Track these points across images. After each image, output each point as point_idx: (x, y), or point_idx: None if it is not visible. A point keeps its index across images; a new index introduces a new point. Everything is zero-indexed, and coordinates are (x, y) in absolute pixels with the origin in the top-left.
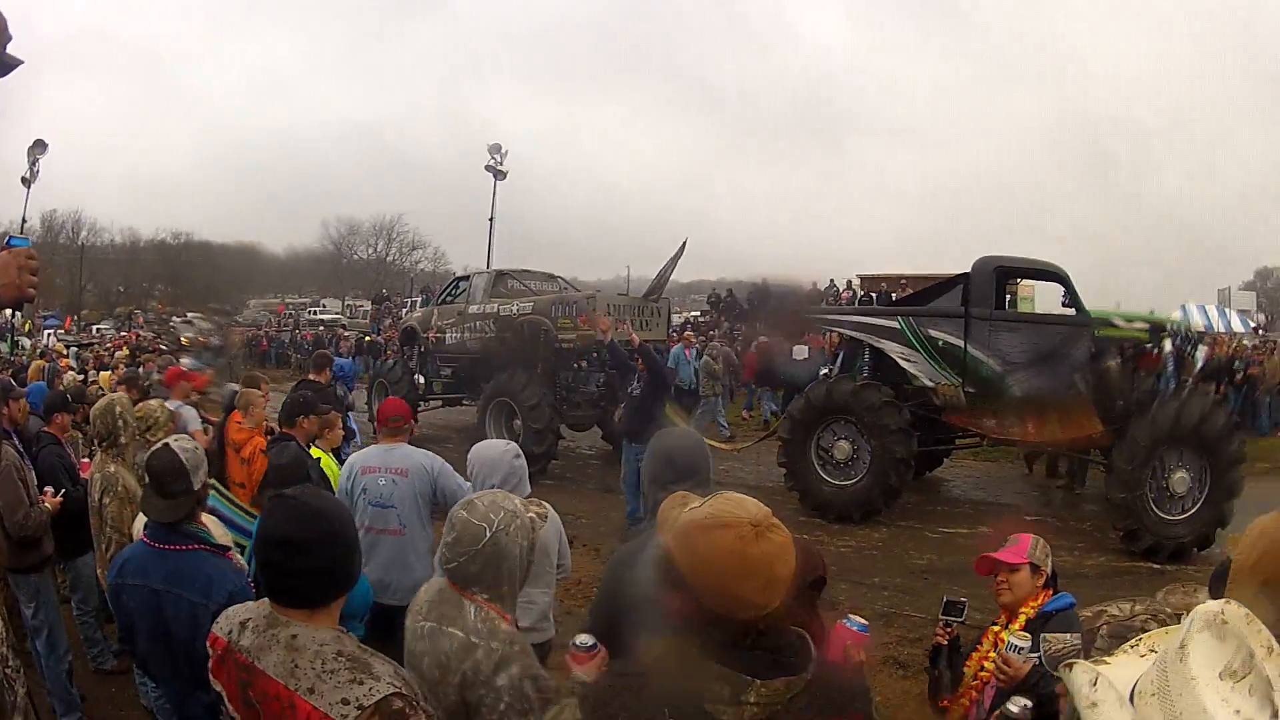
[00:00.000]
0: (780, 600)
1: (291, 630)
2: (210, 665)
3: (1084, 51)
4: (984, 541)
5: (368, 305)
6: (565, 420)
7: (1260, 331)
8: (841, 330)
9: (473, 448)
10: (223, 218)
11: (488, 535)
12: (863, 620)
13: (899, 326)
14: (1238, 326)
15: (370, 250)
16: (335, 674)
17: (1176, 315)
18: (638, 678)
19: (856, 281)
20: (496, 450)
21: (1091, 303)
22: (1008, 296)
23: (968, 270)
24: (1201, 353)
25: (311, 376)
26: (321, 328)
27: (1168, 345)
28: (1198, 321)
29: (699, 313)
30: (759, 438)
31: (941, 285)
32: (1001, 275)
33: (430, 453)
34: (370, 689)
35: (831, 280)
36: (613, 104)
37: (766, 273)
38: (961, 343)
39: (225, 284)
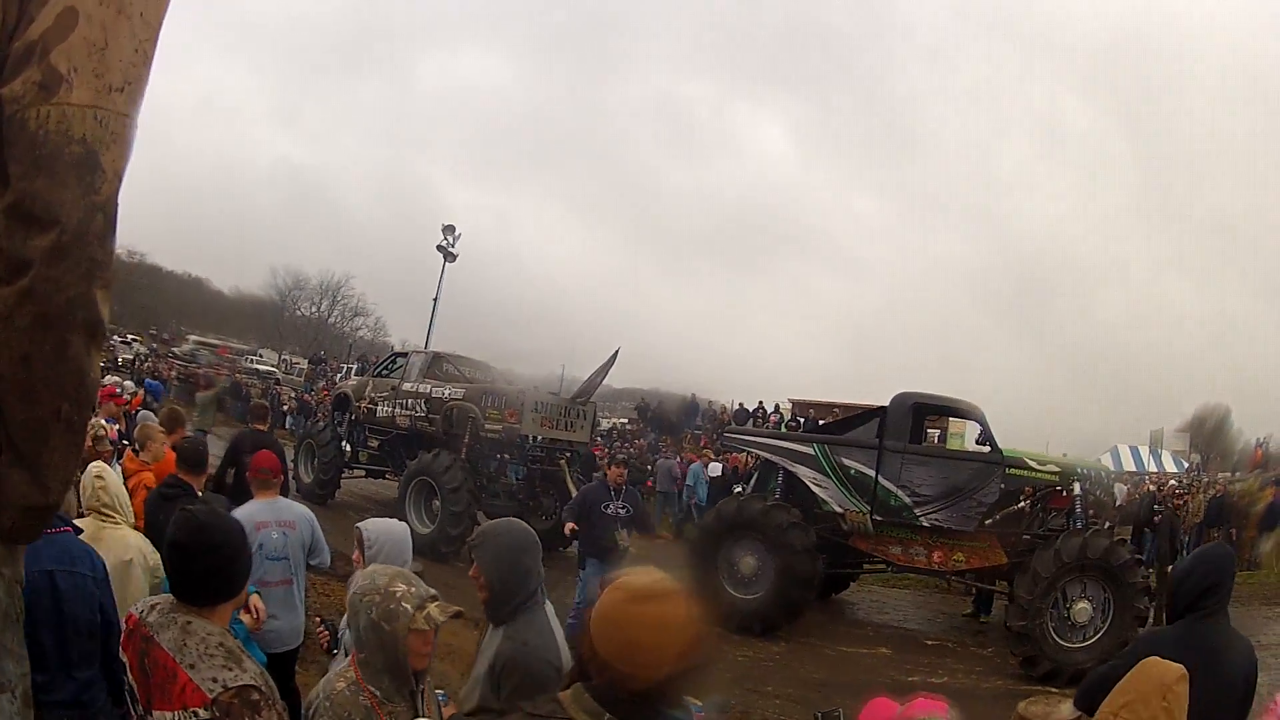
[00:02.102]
0: (654, 675)
1: (187, 618)
2: (121, 639)
3: (1018, 190)
4: (883, 661)
5: (304, 363)
6: (483, 508)
7: (1195, 469)
8: (758, 451)
9: (370, 521)
10: (175, 245)
11: (348, 597)
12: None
13: (813, 453)
14: (1171, 467)
15: (314, 308)
16: (213, 658)
17: (1104, 460)
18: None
19: (787, 405)
20: (401, 528)
21: (1022, 442)
22: (934, 431)
23: (886, 405)
24: (1120, 493)
25: (254, 426)
26: (258, 379)
27: (1076, 488)
28: (1126, 463)
29: (626, 420)
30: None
31: (859, 417)
32: (918, 411)
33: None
34: (236, 676)
35: (760, 402)
36: (556, 198)
37: (695, 388)
38: (873, 473)
39: (167, 312)
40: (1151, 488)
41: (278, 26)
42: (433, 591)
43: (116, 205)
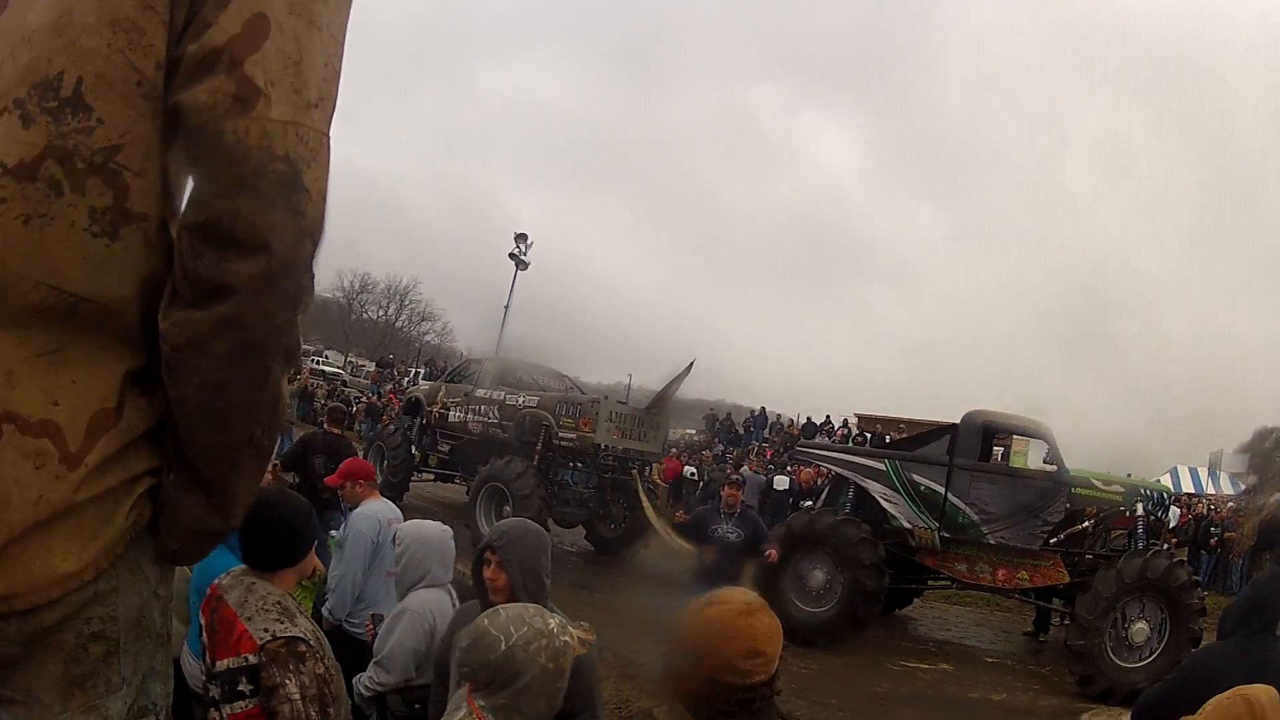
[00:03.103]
0: (765, 676)
1: (252, 579)
2: (202, 604)
3: (1082, 209)
4: (944, 677)
5: (370, 365)
6: (554, 515)
7: (1250, 491)
8: (830, 466)
9: (404, 525)
10: None
11: (502, 648)
12: None
13: (884, 468)
14: (1228, 489)
15: (381, 312)
16: (268, 613)
17: (1164, 480)
18: None
19: (854, 420)
20: (436, 532)
21: (1083, 462)
22: (998, 449)
23: (956, 422)
24: (1174, 515)
25: (329, 428)
26: (324, 380)
27: (1139, 509)
28: (1185, 485)
29: (694, 431)
30: None
31: (930, 434)
32: (988, 430)
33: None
34: (287, 629)
35: (828, 416)
36: (624, 208)
37: (763, 400)
38: (942, 490)
39: None
40: (1204, 510)
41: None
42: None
43: (323, 229)
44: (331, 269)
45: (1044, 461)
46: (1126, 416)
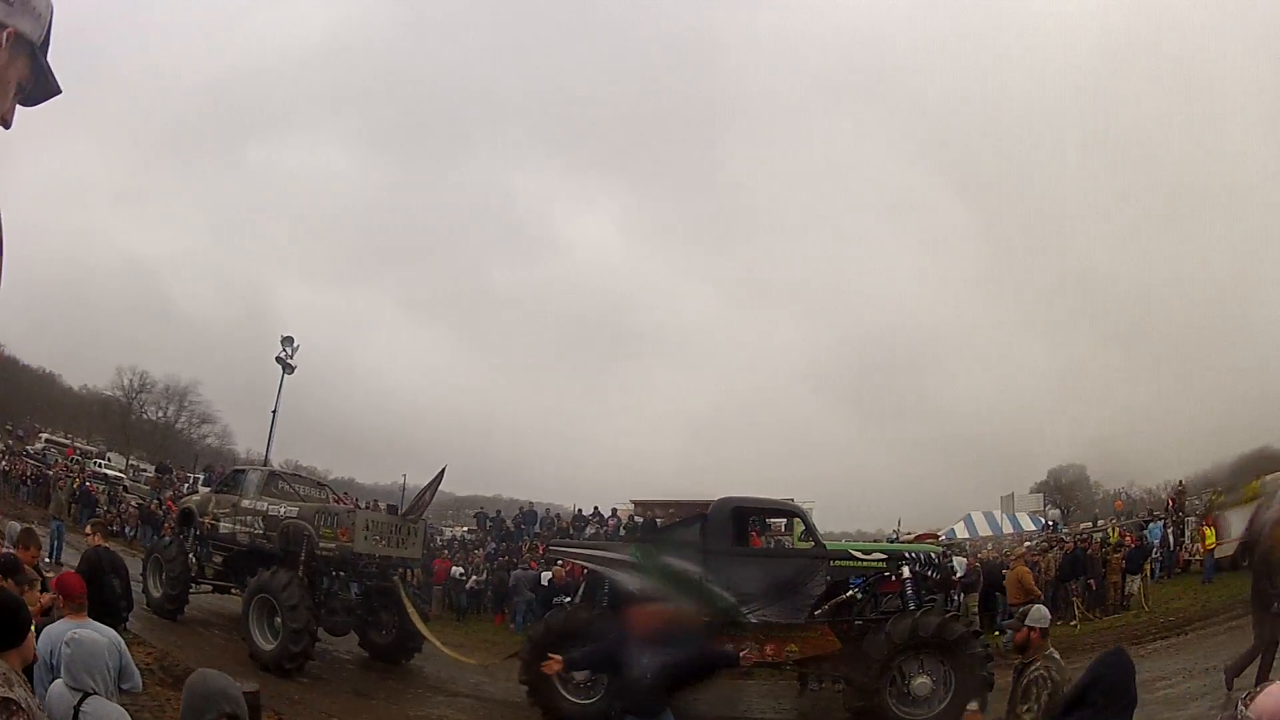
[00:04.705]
0: None
1: None
2: None
3: (858, 268)
4: None
5: (151, 469)
6: (323, 624)
7: (1051, 526)
8: (580, 563)
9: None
10: (31, 336)
11: None
12: None
13: (635, 559)
14: (1029, 526)
15: (160, 413)
16: None
17: (958, 528)
18: None
19: (631, 507)
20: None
21: (870, 522)
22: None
23: (706, 511)
24: (960, 564)
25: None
26: (105, 483)
27: (906, 571)
28: (981, 529)
29: (467, 529)
30: (505, 656)
31: (682, 522)
32: (739, 514)
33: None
34: (4, 691)
35: (596, 507)
36: (396, 302)
37: (538, 493)
38: (696, 574)
39: (21, 407)
40: (993, 555)
41: (127, 104)
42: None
43: None
44: (110, 365)
45: (800, 539)
46: (917, 471)
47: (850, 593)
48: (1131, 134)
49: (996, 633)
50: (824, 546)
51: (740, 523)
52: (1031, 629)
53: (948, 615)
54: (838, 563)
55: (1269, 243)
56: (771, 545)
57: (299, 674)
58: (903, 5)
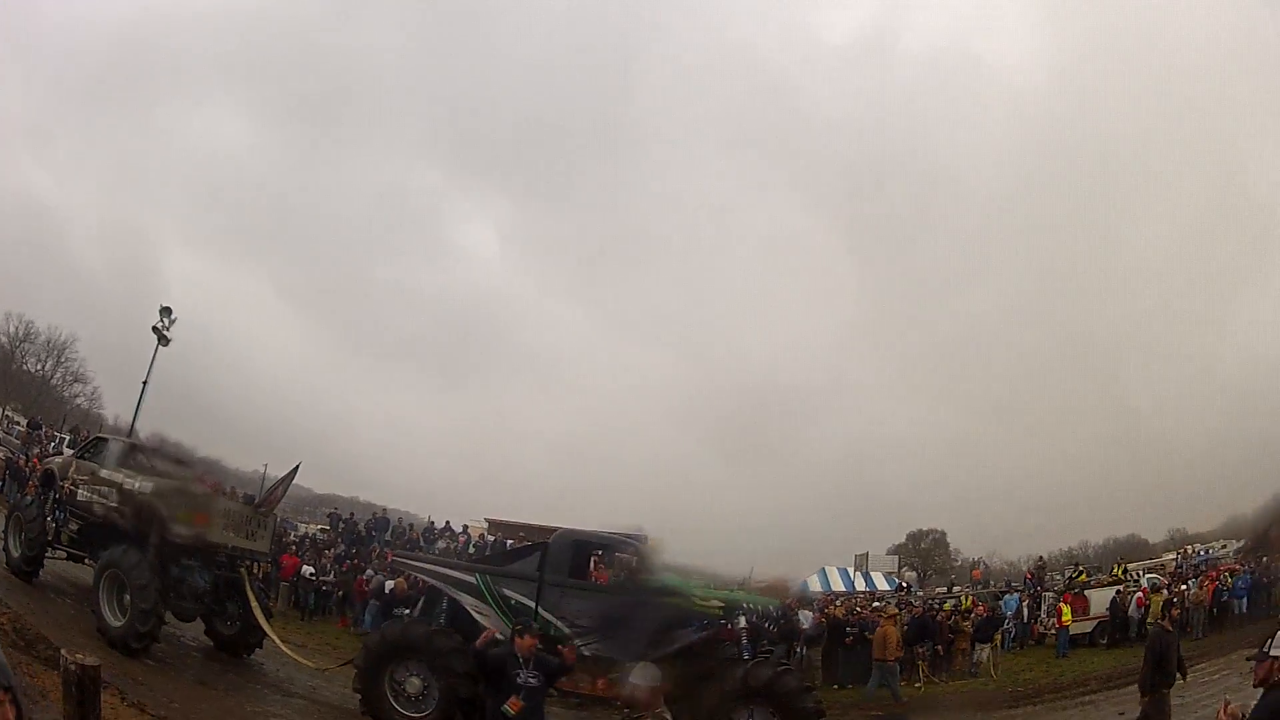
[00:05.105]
0: None
1: None
2: None
3: (739, 310)
4: None
5: (24, 423)
6: (171, 608)
7: (905, 588)
8: (423, 578)
9: None
10: None
11: None
12: None
13: (475, 582)
14: (883, 586)
15: (40, 366)
16: None
17: (812, 580)
18: None
19: (484, 524)
20: None
21: (724, 564)
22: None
23: (547, 541)
24: (807, 619)
25: None
26: None
27: (742, 621)
28: (835, 584)
29: (320, 528)
30: (341, 662)
31: (522, 550)
32: (579, 548)
33: None
34: None
35: (448, 521)
36: (273, 282)
37: (396, 499)
38: (533, 604)
39: None
40: (840, 613)
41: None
42: None
43: None
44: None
45: (637, 578)
46: (777, 517)
47: (686, 636)
48: (1027, 204)
49: (835, 686)
50: (663, 588)
51: (579, 556)
52: None
53: (781, 668)
54: (675, 603)
55: (1156, 322)
56: (620, 579)
57: (145, 655)
58: (822, 56)
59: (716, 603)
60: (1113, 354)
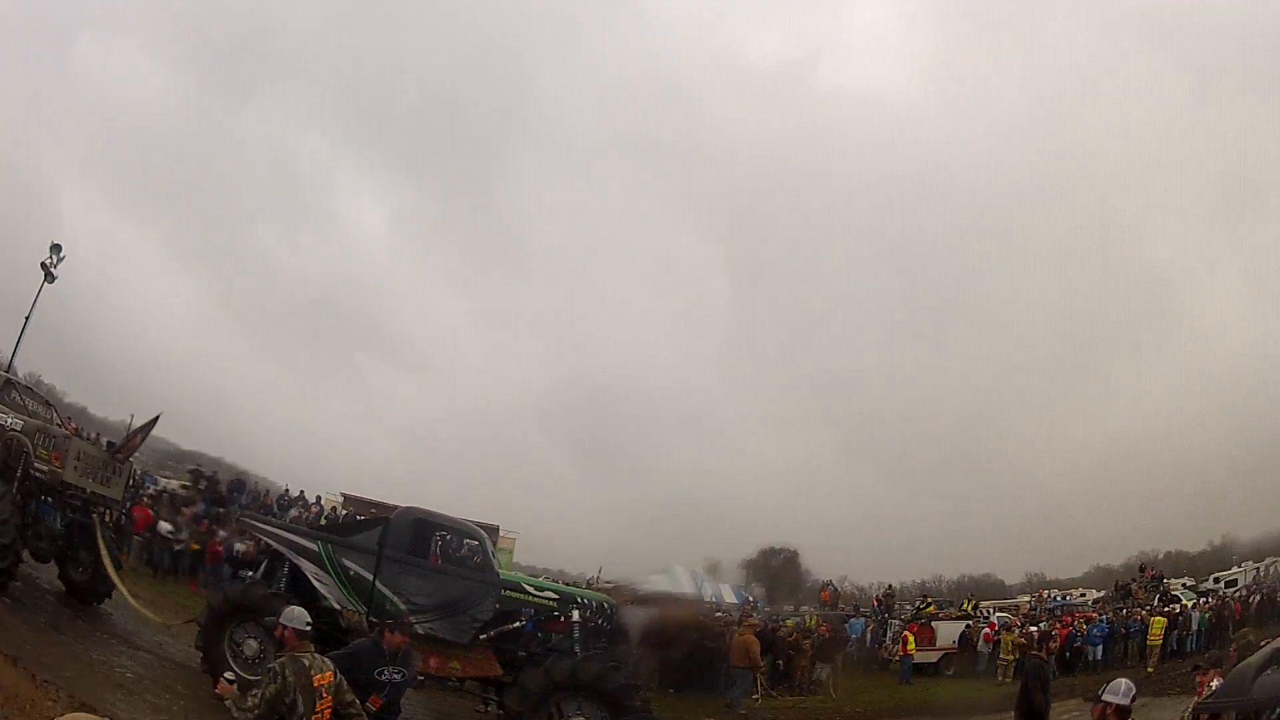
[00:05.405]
0: None
1: None
2: None
3: (611, 317)
4: None
5: None
6: (29, 547)
7: (751, 601)
8: (268, 541)
9: None
10: None
11: None
12: None
13: (317, 549)
14: (730, 598)
15: None
16: None
17: (658, 579)
18: None
19: (339, 499)
20: None
21: (574, 564)
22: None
23: (389, 515)
24: (647, 619)
25: None
26: None
27: (575, 615)
28: (684, 587)
29: (181, 484)
30: (186, 619)
31: (365, 522)
32: (420, 526)
33: None
34: None
35: (302, 491)
36: (161, 238)
37: (259, 464)
38: (371, 576)
39: None
40: (683, 618)
41: None
42: None
43: None
44: None
45: (474, 564)
46: (629, 522)
47: (518, 624)
48: (910, 244)
49: (671, 691)
50: (498, 575)
51: (420, 535)
52: None
53: (610, 665)
54: (508, 593)
55: (1036, 376)
56: (459, 562)
57: (2, 592)
58: (735, 79)
59: (550, 594)
60: (990, 404)
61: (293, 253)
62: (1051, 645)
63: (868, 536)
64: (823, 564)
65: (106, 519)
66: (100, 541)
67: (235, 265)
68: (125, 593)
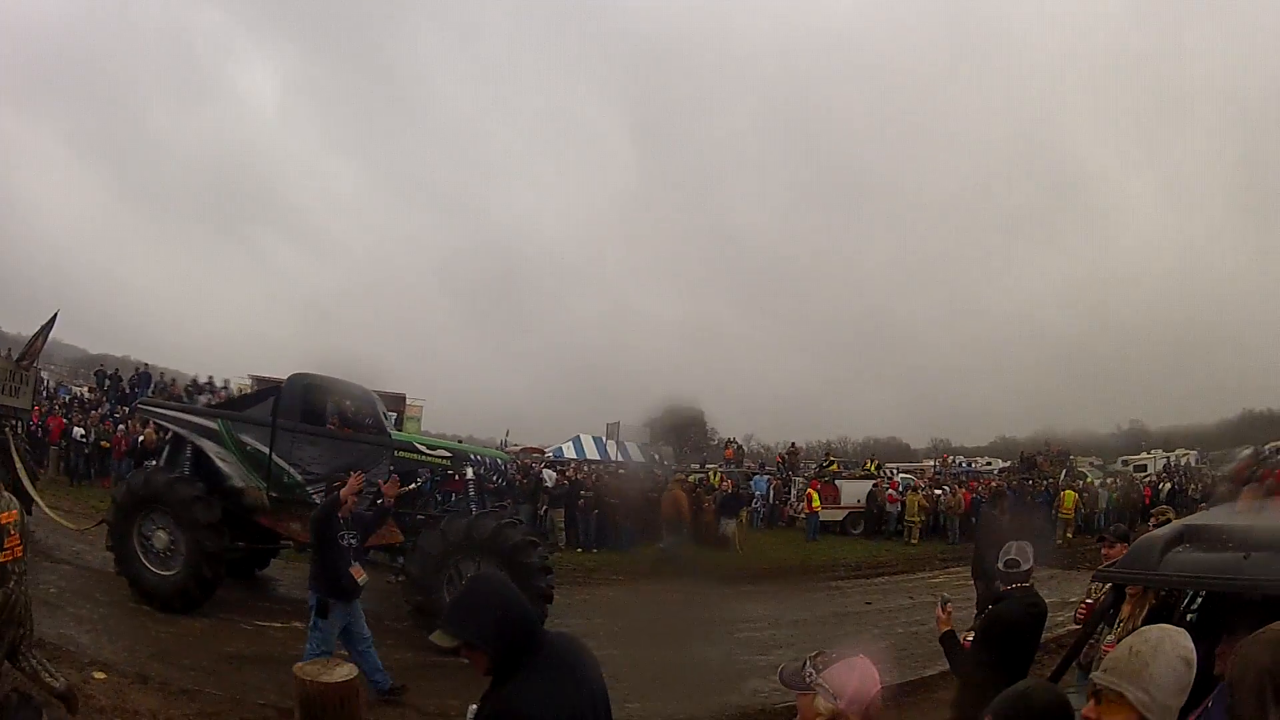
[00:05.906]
0: None
1: None
2: None
3: (508, 178)
4: (297, 635)
5: None
6: None
7: (658, 459)
8: (168, 425)
9: None
10: None
11: None
12: None
13: (217, 428)
14: (637, 457)
15: None
16: None
17: (567, 448)
18: None
19: (249, 381)
20: None
21: (481, 430)
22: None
23: (280, 384)
24: (550, 476)
25: None
26: None
27: (469, 473)
28: (589, 451)
29: (89, 388)
30: (98, 521)
31: (258, 394)
32: (311, 392)
33: None
34: None
35: (210, 377)
36: (56, 133)
37: (161, 356)
38: (267, 450)
39: None
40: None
41: None
42: None
43: None
44: None
45: (363, 424)
46: (532, 388)
47: (414, 484)
48: (819, 116)
49: (579, 549)
50: (390, 436)
51: (312, 401)
52: None
53: (506, 521)
54: (402, 454)
55: (931, 244)
56: (351, 426)
57: None
58: None
59: (443, 453)
60: (896, 273)
61: (189, 134)
62: (954, 506)
63: (772, 397)
64: (728, 424)
65: (19, 430)
66: (15, 455)
67: (135, 149)
68: (42, 505)
